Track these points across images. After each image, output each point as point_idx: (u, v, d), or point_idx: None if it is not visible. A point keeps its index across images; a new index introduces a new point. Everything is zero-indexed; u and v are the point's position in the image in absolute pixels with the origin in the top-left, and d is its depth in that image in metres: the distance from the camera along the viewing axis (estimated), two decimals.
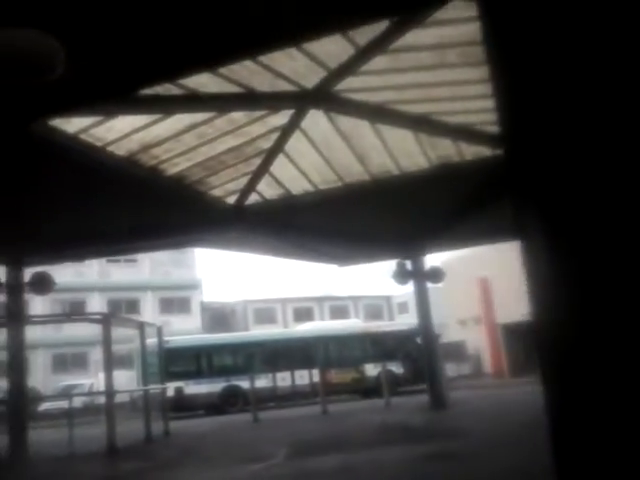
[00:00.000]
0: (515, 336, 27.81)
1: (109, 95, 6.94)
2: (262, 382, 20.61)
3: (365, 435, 10.45)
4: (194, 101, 7.81)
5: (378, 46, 7.10)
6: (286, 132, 9.43)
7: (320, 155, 10.20)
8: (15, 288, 12.96)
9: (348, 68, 7.64)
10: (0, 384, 12.53)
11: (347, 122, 9.23)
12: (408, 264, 15.92)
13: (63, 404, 19.97)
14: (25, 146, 7.97)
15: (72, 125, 7.87)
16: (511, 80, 2.63)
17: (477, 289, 31.04)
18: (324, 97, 8.36)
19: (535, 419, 2.95)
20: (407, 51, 7.19)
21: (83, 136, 8.16)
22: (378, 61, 7.39)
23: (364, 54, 7.27)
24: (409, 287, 17.17)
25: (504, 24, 2.75)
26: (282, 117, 8.98)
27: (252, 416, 16.05)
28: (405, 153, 10.26)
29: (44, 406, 25.02)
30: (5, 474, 9.69)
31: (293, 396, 22.01)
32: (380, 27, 6.69)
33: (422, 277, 16.01)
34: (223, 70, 7.18)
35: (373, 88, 8.20)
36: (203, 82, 7.35)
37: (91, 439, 11.59)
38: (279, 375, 22.14)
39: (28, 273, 13.22)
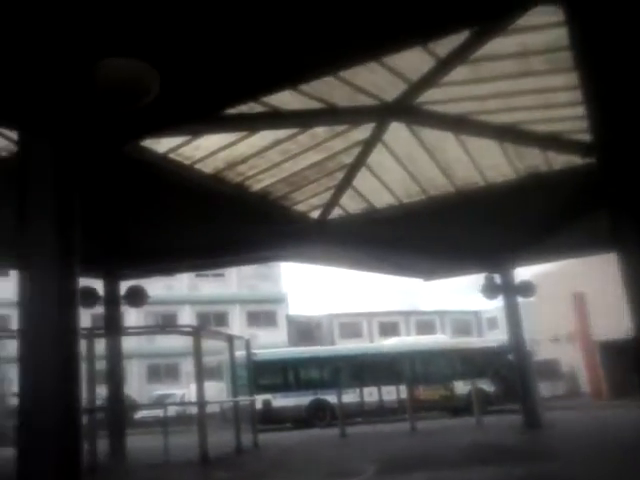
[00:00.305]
0: (614, 354, 26.32)
1: (196, 115, 7.22)
2: (349, 397, 20.48)
3: (456, 454, 10.16)
4: (277, 118, 7.98)
5: (459, 56, 7.01)
6: (368, 146, 9.45)
7: (403, 168, 10.14)
8: (112, 301, 13.62)
9: (429, 80, 7.58)
10: (100, 392, 13.10)
11: (430, 134, 9.14)
12: (497, 278, 15.49)
13: (157, 412, 20.69)
14: (120, 166, 8.42)
15: (162, 145, 8.24)
16: (603, 85, 2.53)
17: (571, 304, 29.69)
18: (405, 110, 8.32)
19: (638, 442, 2.79)
20: (489, 60, 7.06)
21: (172, 155, 8.52)
22: (459, 72, 7.29)
23: (445, 65, 7.19)
24: (498, 302, 16.67)
25: (593, 28, 2.66)
26: (364, 131, 9.02)
27: (339, 431, 16.00)
28: (490, 164, 10.03)
29: (140, 414, 26.01)
30: (105, 478, 10.11)
31: (380, 412, 21.76)
32: (460, 37, 6.61)
33: (512, 291, 15.51)
34: (305, 86, 7.30)
35: (455, 99, 8.09)
36: (286, 99, 7.50)
37: (184, 447, 11.86)
38: (366, 390, 21.96)
39: (124, 286, 13.87)
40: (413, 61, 7.12)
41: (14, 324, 5.28)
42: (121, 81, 5.22)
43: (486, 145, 9.34)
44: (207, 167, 9.17)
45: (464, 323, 46.53)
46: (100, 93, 5.28)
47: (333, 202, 11.17)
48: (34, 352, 4.61)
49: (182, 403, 25.48)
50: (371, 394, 21.90)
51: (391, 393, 21.53)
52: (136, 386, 33.87)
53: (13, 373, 5.32)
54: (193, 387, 15.15)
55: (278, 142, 8.81)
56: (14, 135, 6.50)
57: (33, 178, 5.15)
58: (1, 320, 30.93)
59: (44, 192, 5.08)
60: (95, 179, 8.21)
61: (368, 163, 9.98)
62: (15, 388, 4.87)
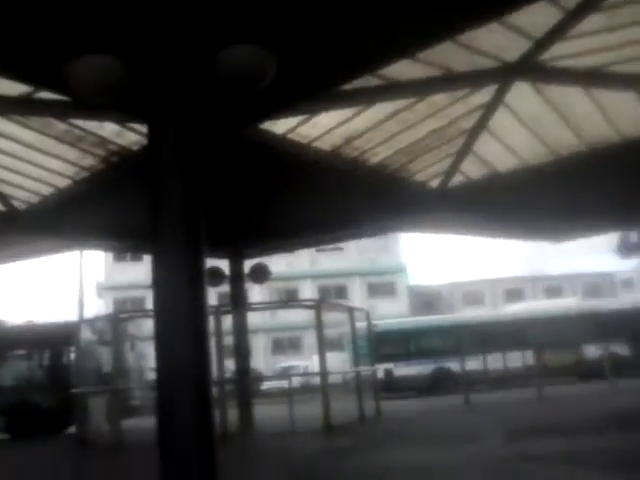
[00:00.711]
0: None
1: (313, 94, 7.17)
2: (472, 364, 20.11)
3: (587, 421, 9.69)
4: (394, 89, 7.77)
5: (590, 5, 6.45)
6: (489, 109, 9.02)
7: (528, 129, 9.60)
8: (237, 279, 14.09)
9: (555, 34, 7.05)
10: (228, 365, 13.70)
11: (557, 91, 8.55)
12: (634, 236, 14.44)
13: (282, 384, 21.37)
14: (240, 149, 8.57)
15: (279, 126, 8.30)
16: None
17: None
18: (530, 68, 7.82)
19: None
20: (624, 5, 6.43)
21: (290, 135, 8.56)
22: (591, 21, 6.71)
23: (574, 17, 6.65)
24: (634, 262, 15.61)
25: None
26: (484, 94, 8.58)
27: (463, 399, 15.80)
28: (627, 118, 9.25)
29: (265, 385, 27.02)
30: (236, 446, 10.59)
31: (505, 379, 21.23)
32: None
33: None
34: (420, 54, 7.02)
35: (585, 52, 7.48)
36: (401, 69, 7.26)
37: (308, 417, 12.15)
38: (490, 357, 21.47)
39: (248, 265, 14.29)
40: (536, 16, 6.63)
41: (148, 305, 5.57)
42: (241, 68, 5.26)
43: (621, 98, 8.61)
44: (324, 144, 9.15)
45: (595, 286, 44.17)
46: (221, 81, 5.34)
47: (454, 169, 10.79)
48: (167, 329, 4.88)
49: (305, 374, 26.15)
50: (495, 361, 21.42)
51: (516, 360, 20.98)
52: (261, 359, 35.21)
53: (150, 350, 5.65)
54: (316, 359, 15.46)
55: (395, 113, 8.59)
56: (144, 129, 6.76)
57: (162, 167, 5.33)
58: (137, 302, 33.20)
59: (172, 180, 5.26)
60: (218, 163, 8.42)
61: (490, 127, 9.53)
62: (152, 363, 5.16)
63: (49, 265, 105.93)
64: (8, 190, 10.30)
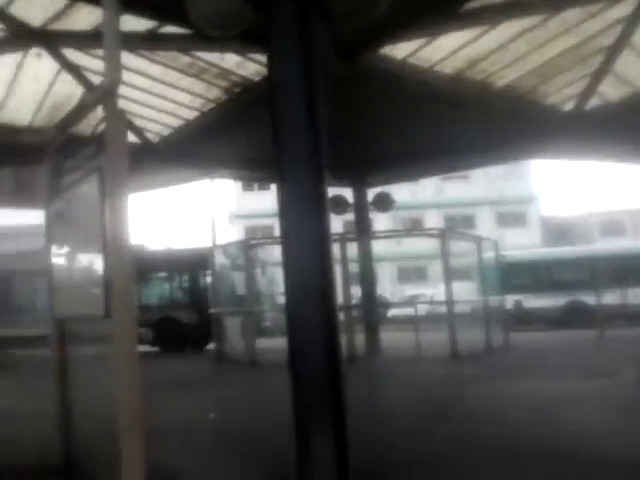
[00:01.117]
0: None
1: (433, 15, 6.92)
2: (609, 298, 19.22)
3: None
4: (521, 6, 7.32)
5: None
6: (632, 23, 8.22)
7: None
8: (361, 207, 14.24)
9: None
10: (354, 292, 14.08)
11: None
12: None
13: (408, 311, 21.64)
14: (360, 74, 8.52)
15: (399, 50, 8.14)
16: None
17: None
18: None
19: None
20: None
21: (411, 60, 8.37)
22: None
23: None
24: None
25: None
26: (625, 7, 7.83)
27: (597, 333, 15.21)
28: None
29: (392, 312, 27.49)
30: (362, 368, 10.99)
31: None
32: None
33: None
34: None
35: None
36: None
37: (434, 345, 12.27)
38: (629, 292, 20.35)
39: (371, 193, 14.36)
40: None
41: (277, 232, 5.81)
42: None
43: None
44: (447, 68, 8.88)
45: None
46: (337, 5, 5.30)
47: (590, 91, 10.03)
48: (293, 256, 4.99)
49: (431, 302, 26.18)
50: (636, 296, 20.32)
51: None
52: (387, 287, 35.57)
53: (279, 275, 5.91)
54: (442, 287, 15.48)
55: (523, 32, 8.08)
56: (264, 59, 6.90)
57: (283, 96, 5.41)
58: (266, 229, 34.57)
59: (294, 109, 5.32)
60: (339, 90, 8.44)
61: (633, 43, 8.71)
62: (282, 288, 5.39)
63: (184, 194, 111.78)
64: (142, 123, 10.96)
